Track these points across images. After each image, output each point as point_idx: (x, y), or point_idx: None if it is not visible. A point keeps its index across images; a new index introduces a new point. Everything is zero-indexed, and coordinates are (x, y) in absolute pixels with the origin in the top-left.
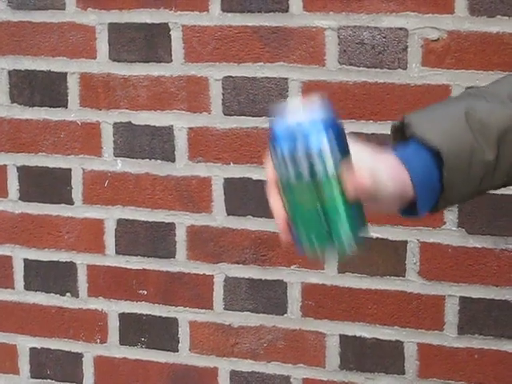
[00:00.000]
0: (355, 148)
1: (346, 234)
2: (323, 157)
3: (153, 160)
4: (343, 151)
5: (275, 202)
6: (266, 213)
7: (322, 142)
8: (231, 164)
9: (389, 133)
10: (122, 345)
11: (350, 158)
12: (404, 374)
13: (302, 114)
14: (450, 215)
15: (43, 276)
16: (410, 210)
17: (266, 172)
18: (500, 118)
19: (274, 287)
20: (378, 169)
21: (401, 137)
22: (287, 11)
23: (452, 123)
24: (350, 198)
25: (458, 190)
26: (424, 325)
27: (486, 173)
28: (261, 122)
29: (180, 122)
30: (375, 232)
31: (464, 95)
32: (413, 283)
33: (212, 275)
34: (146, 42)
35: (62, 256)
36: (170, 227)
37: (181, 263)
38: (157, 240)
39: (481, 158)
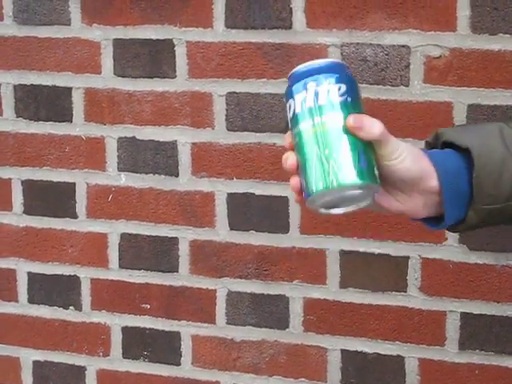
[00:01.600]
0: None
1: (351, 173)
2: (338, 88)
3: (156, 175)
4: (356, 96)
5: (289, 155)
6: (269, 228)
7: (337, 77)
8: (234, 179)
9: None
10: (124, 358)
11: (361, 103)
12: None
13: (318, 61)
14: None
15: (47, 289)
16: (438, 222)
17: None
18: None
19: (276, 302)
20: (401, 144)
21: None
22: (291, 28)
23: (485, 134)
24: (359, 137)
25: (486, 198)
26: (425, 340)
27: None
28: (264, 138)
29: (184, 137)
30: (377, 247)
31: (498, 119)
32: (414, 299)
33: (215, 289)
34: (151, 58)
35: (66, 269)
36: (173, 242)
37: (184, 277)
38: (160, 254)
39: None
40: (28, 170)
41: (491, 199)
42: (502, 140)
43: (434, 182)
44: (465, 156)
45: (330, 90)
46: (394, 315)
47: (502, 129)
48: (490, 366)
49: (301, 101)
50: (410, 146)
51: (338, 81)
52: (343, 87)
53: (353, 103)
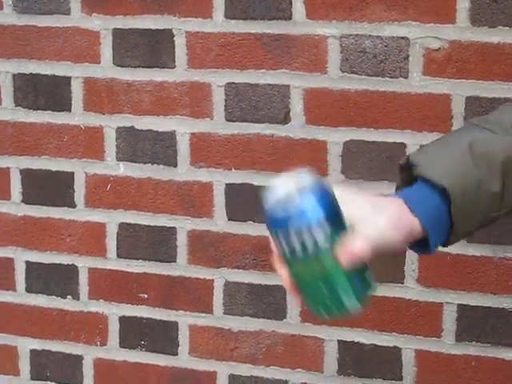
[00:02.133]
0: (356, 200)
1: (350, 301)
2: (313, 233)
3: (155, 165)
4: (336, 222)
5: (282, 270)
6: None
7: (312, 219)
8: (233, 170)
9: (389, 142)
10: (122, 347)
11: (344, 226)
12: (401, 380)
13: (291, 191)
14: None
15: (45, 278)
16: (420, 246)
17: (272, 244)
18: (503, 147)
19: (273, 292)
20: (378, 225)
21: (408, 175)
22: (290, 19)
23: (457, 159)
24: (347, 269)
25: (466, 222)
26: (422, 331)
27: (492, 204)
28: (263, 129)
29: (182, 128)
30: None
31: (467, 126)
32: (411, 290)
33: (212, 280)
34: (150, 48)
35: (64, 259)
36: (172, 231)
37: (181, 267)
38: (158, 244)
39: (487, 191)
40: (26, 159)
41: (470, 225)
42: (473, 160)
43: (417, 234)
44: (440, 190)
45: (312, 237)
46: (391, 306)
47: (471, 147)
48: (487, 358)
49: (287, 244)
50: (388, 211)
51: (316, 221)
52: (322, 225)
53: (334, 230)
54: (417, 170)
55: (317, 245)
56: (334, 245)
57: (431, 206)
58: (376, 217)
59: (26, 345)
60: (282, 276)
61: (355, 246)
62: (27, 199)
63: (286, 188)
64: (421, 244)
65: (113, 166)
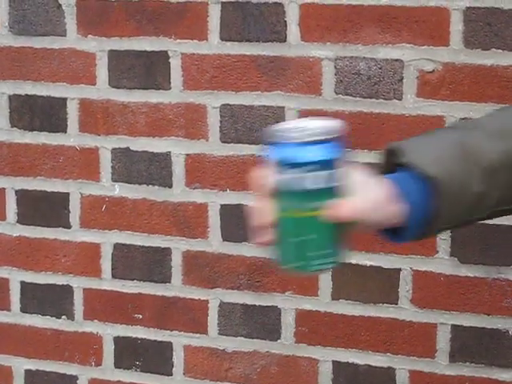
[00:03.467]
0: (348, 173)
1: (323, 251)
2: (319, 171)
3: (150, 186)
4: (334, 168)
5: (264, 205)
6: None
7: (313, 161)
8: (228, 191)
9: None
10: (116, 368)
11: (341, 176)
12: None
13: (296, 134)
14: (443, 244)
15: (39, 299)
16: (390, 233)
17: (255, 181)
18: (489, 152)
19: (268, 313)
20: (368, 199)
21: (390, 164)
22: (285, 41)
23: (446, 151)
24: (334, 219)
25: (447, 218)
26: (416, 352)
27: (474, 205)
28: (257, 150)
29: (178, 149)
30: (369, 260)
31: (458, 125)
32: (405, 311)
33: (207, 300)
34: (146, 69)
35: (59, 279)
36: (166, 252)
37: (176, 288)
38: (153, 265)
39: (470, 189)
40: (22, 180)
41: (449, 222)
42: (462, 155)
43: (398, 220)
44: (426, 180)
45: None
46: (385, 327)
47: (461, 143)
48: (480, 379)
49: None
50: (379, 190)
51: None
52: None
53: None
54: (405, 157)
55: (318, 183)
56: (330, 193)
57: (416, 194)
58: (366, 192)
59: (20, 365)
60: (259, 209)
61: (346, 204)
62: (22, 220)
63: (293, 131)
64: (392, 231)
65: (108, 187)
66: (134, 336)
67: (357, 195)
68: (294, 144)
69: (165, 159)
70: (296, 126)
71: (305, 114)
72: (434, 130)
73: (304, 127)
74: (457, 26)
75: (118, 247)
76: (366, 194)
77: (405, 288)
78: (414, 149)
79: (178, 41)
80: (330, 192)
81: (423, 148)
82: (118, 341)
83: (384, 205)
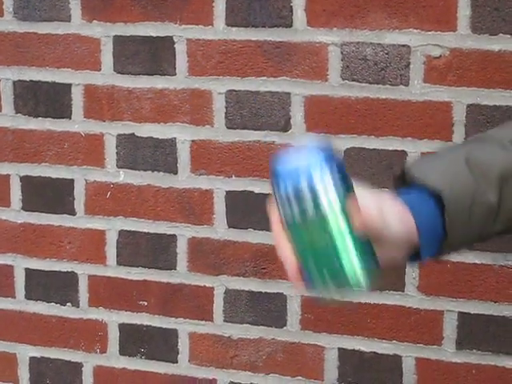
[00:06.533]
0: (360, 188)
1: (359, 269)
2: (328, 192)
3: (155, 172)
4: (347, 187)
5: (283, 247)
6: (267, 226)
7: (326, 177)
8: (233, 177)
9: (389, 149)
10: (121, 355)
11: (355, 194)
12: None
13: (303, 153)
14: None
15: (44, 286)
16: (412, 256)
17: (271, 219)
18: (501, 162)
19: (273, 300)
20: (385, 208)
21: (402, 185)
22: (291, 26)
23: (452, 166)
24: (359, 233)
25: (459, 234)
26: (422, 339)
27: (487, 216)
28: (263, 136)
29: (183, 135)
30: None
31: (465, 142)
32: (412, 298)
33: (212, 287)
34: (151, 55)
35: (64, 266)
36: (172, 239)
37: (181, 275)
38: (158, 251)
39: (482, 200)
40: (26, 166)
41: (463, 238)
42: (469, 169)
43: (415, 238)
44: (435, 197)
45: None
46: (392, 314)
47: (467, 157)
48: (487, 366)
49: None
50: (392, 203)
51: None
52: (336, 181)
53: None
54: (411, 174)
55: (330, 203)
56: (347, 207)
57: (426, 210)
58: (383, 202)
59: (25, 352)
60: (283, 253)
61: (369, 211)
62: (27, 206)
63: (299, 150)
64: (412, 255)
65: (113, 174)
66: (139, 323)
67: (372, 204)
68: (292, 171)
69: (170, 145)
70: (291, 155)
71: (311, 100)
72: (441, 149)
73: (298, 155)
74: (464, 11)
75: (122, 234)
76: (381, 203)
77: (411, 275)
78: (419, 166)
79: (184, 26)
80: (341, 211)
81: (429, 165)
82: (123, 328)
83: (401, 215)
